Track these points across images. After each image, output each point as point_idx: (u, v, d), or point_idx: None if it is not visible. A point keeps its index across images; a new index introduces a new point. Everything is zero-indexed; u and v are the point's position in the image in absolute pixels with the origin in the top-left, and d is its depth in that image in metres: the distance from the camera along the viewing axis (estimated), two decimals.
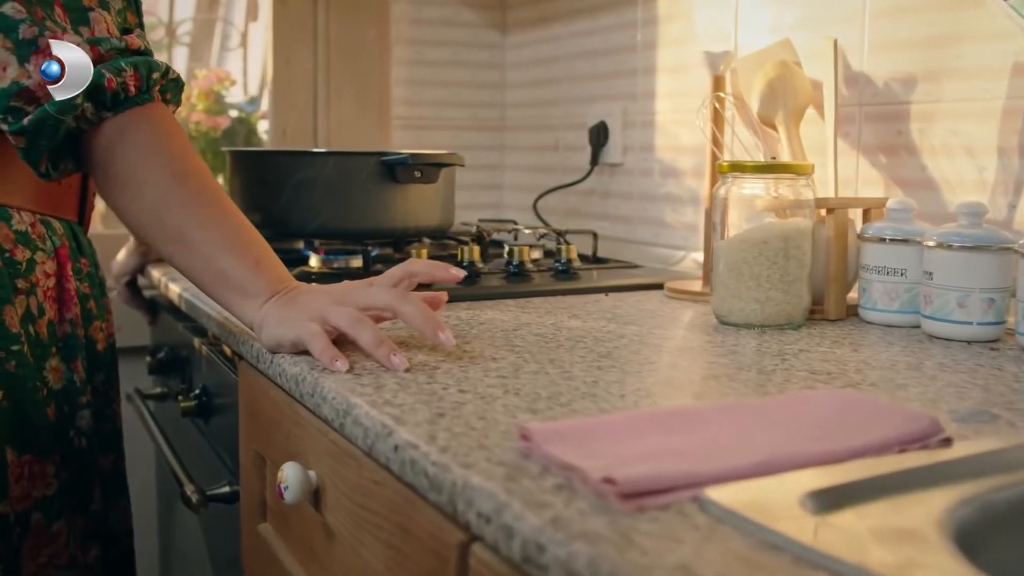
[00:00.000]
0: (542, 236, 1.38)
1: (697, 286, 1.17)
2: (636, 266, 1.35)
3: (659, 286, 1.20)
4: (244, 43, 2.14)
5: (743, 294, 0.95)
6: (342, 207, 1.16)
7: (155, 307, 1.50)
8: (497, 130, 1.89)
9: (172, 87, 0.89)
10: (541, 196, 1.66)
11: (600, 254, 1.42)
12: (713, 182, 1.17)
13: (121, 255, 1.44)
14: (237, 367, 0.98)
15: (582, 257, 1.35)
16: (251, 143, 1.80)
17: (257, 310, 0.82)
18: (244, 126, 1.79)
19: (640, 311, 1.05)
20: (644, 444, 0.54)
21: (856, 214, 1.05)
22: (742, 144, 1.14)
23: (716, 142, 1.15)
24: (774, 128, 1.13)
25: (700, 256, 1.37)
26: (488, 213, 1.82)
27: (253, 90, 2.05)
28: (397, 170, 1.15)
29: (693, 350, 0.86)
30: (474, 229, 1.47)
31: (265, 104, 1.84)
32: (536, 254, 1.30)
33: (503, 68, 1.89)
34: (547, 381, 0.72)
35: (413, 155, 1.15)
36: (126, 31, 0.88)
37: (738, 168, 0.97)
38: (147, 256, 1.43)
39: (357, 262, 1.22)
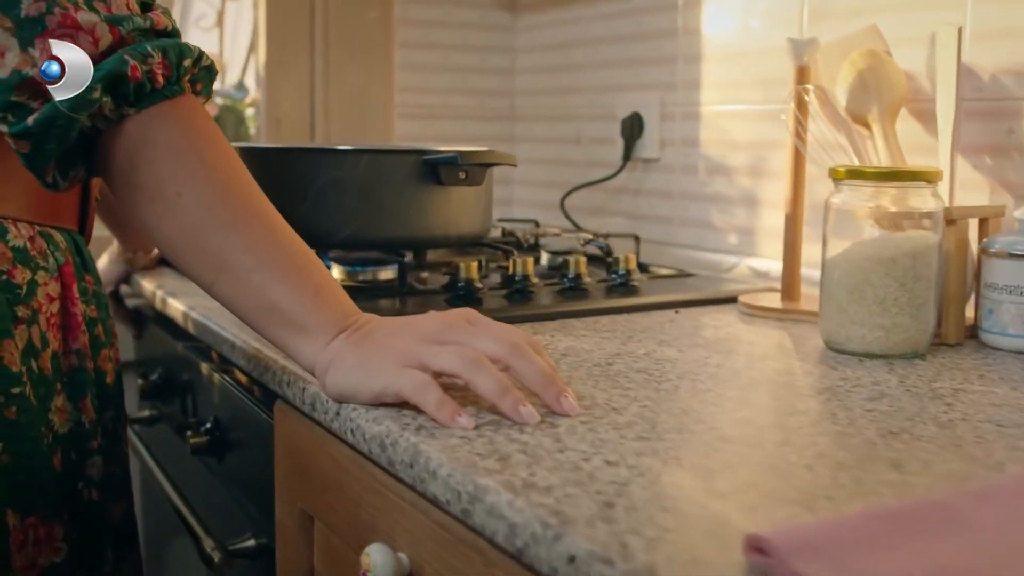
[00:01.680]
0: (588, 242, 1.24)
1: (775, 300, 1.04)
2: (690, 274, 1.21)
3: (730, 300, 1.07)
4: (220, 23, 1.97)
5: (866, 320, 0.82)
6: (375, 213, 1.01)
7: (141, 319, 1.34)
8: (507, 120, 1.74)
9: (204, 76, 0.73)
10: (569, 193, 1.51)
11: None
12: (796, 184, 1.05)
13: (103, 262, 1.27)
14: (271, 407, 0.83)
15: None
16: (240, 133, 1.63)
17: (321, 351, 0.67)
18: (232, 114, 1.62)
19: (728, 335, 0.92)
20: (917, 558, 0.41)
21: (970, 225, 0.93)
22: (838, 142, 1.01)
23: (801, 139, 1.02)
24: (865, 125, 1.01)
25: (756, 263, 1.25)
26: (497, 211, 1.67)
27: (232, 75, 1.87)
28: (441, 171, 1.00)
29: (834, 391, 0.73)
30: (500, 232, 1.33)
31: (253, 90, 1.67)
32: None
33: (513, 52, 1.74)
34: (702, 444, 0.59)
35: (461, 154, 1.00)
36: (146, 7, 0.72)
37: (857, 175, 0.84)
38: (133, 264, 1.27)
39: (387, 274, 1.07)
